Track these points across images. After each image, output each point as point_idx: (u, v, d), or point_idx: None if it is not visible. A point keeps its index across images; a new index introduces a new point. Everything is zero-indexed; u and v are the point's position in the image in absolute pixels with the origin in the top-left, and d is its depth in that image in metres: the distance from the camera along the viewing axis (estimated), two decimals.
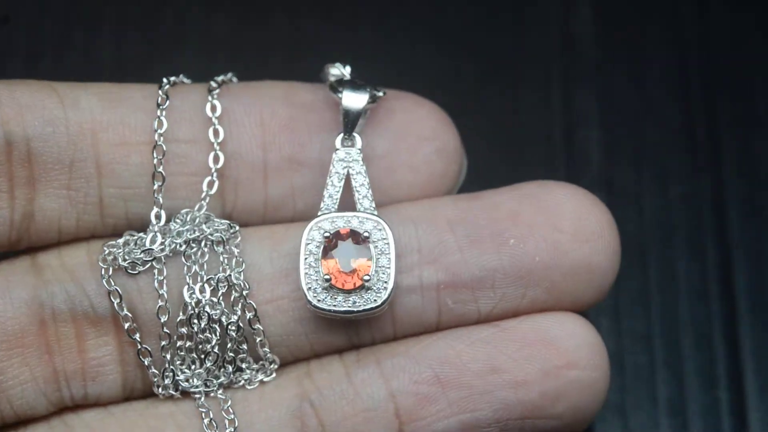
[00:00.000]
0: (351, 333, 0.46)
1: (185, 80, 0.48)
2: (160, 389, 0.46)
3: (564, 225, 0.46)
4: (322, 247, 0.45)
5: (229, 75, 0.48)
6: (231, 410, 0.45)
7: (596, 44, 0.63)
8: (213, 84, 0.47)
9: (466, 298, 0.46)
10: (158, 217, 0.46)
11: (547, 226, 0.46)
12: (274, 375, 0.46)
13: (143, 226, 0.46)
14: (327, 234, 0.45)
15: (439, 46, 0.63)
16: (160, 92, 0.46)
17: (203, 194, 0.46)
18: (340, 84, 0.47)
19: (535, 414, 0.45)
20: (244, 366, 0.46)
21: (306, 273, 0.45)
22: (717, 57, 0.63)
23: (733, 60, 0.63)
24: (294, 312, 0.46)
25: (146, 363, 0.45)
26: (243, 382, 0.46)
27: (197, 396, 0.46)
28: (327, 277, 0.45)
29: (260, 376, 0.46)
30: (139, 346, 0.45)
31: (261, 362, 0.46)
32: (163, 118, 0.45)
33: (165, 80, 0.46)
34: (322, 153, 0.47)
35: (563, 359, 0.45)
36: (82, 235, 0.46)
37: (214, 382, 0.46)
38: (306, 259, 0.45)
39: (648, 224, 0.60)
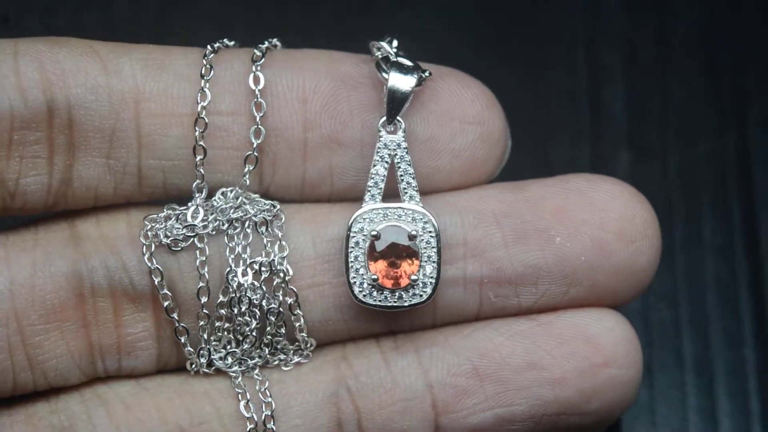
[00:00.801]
0: (390, 320, 0.46)
1: (228, 43, 0.47)
2: (194, 366, 0.45)
3: (610, 225, 0.45)
4: (368, 242, 0.44)
5: (274, 41, 0.47)
6: (268, 392, 0.45)
7: (622, 2, 0.63)
8: (257, 53, 0.45)
9: (509, 293, 0.46)
10: (200, 189, 0.45)
11: (594, 225, 0.45)
12: (310, 357, 0.46)
13: (180, 197, 0.46)
14: (375, 233, 0.45)
15: (464, 7, 0.63)
16: (204, 61, 0.45)
17: (245, 170, 0.45)
18: (387, 62, 0.46)
19: (570, 410, 0.45)
20: (279, 347, 0.45)
21: (351, 266, 0.45)
22: (744, 14, 0.62)
23: (760, 17, 0.62)
24: (335, 298, 0.45)
25: (183, 341, 0.45)
26: (278, 362, 0.46)
27: (233, 375, 0.45)
28: (374, 276, 0.44)
29: (296, 358, 0.46)
30: (177, 325, 0.45)
31: (297, 344, 0.46)
32: (206, 89, 0.45)
33: (209, 47, 0.46)
34: (363, 133, 0.46)
35: (601, 357, 0.45)
36: (118, 201, 0.46)
37: (249, 362, 0.45)
38: (351, 251, 0.45)
39: (673, 182, 0.60)
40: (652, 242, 0.46)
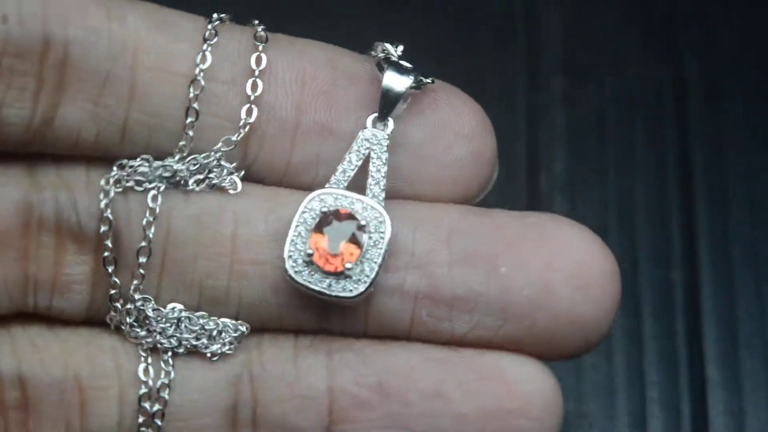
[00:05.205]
0: (322, 318, 0.44)
1: (231, 20, 0.45)
2: (113, 321, 0.44)
3: (561, 265, 0.42)
4: (317, 220, 0.43)
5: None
6: (170, 361, 0.44)
7: None
8: (261, 33, 0.44)
9: (442, 315, 0.43)
10: (182, 150, 0.44)
11: (544, 261, 0.43)
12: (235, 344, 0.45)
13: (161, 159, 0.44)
14: (325, 209, 0.43)
15: None
16: (209, 26, 0.43)
17: (233, 139, 0.44)
18: (386, 62, 0.44)
19: None
20: (215, 333, 0.44)
21: (292, 241, 0.43)
22: None
23: None
24: (273, 279, 0.44)
25: (113, 294, 0.43)
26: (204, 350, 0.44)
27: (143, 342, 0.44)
28: (310, 252, 0.43)
29: (227, 347, 0.44)
30: (110, 279, 0.43)
31: (233, 328, 0.44)
32: (207, 53, 0.43)
33: (215, 15, 0.44)
34: (357, 128, 0.44)
35: (515, 403, 0.42)
36: (95, 154, 0.44)
37: (171, 341, 0.44)
38: (297, 227, 0.43)
39: (607, 104, 0.59)
40: (606, 295, 0.43)
